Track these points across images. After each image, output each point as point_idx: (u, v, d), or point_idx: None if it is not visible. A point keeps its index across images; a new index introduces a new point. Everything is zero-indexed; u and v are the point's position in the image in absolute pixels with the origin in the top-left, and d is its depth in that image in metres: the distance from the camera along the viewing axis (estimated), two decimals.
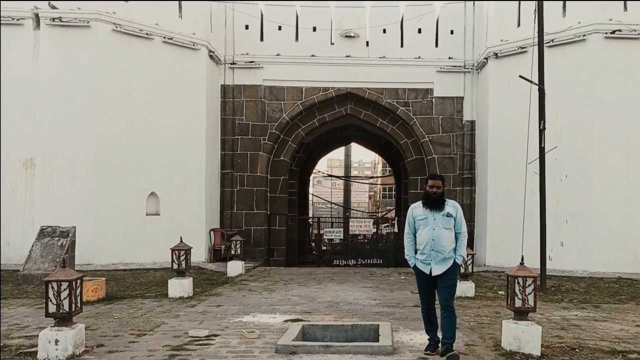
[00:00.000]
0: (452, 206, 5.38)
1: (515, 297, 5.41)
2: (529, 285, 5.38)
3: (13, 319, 7.18)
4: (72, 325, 5.28)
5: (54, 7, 12.49)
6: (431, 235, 5.25)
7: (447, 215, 5.30)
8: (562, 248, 12.80)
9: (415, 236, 5.40)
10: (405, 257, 5.54)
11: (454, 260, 5.30)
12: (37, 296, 8.71)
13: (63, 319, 5.21)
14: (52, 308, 5.16)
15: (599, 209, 12.60)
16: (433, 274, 5.26)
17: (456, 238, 5.34)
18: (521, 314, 5.49)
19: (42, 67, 12.52)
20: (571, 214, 12.83)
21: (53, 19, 12.52)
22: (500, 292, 9.59)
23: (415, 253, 5.39)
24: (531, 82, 10.72)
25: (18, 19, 12.48)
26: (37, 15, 12.57)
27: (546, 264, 10.40)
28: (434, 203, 5.33)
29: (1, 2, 12.18)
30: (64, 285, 5.12)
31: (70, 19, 12.56)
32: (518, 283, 5.37)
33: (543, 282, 9.93)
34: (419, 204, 5.46)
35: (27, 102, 12.45)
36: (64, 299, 5.13)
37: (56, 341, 5.11)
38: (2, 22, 12.39)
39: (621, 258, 12.29)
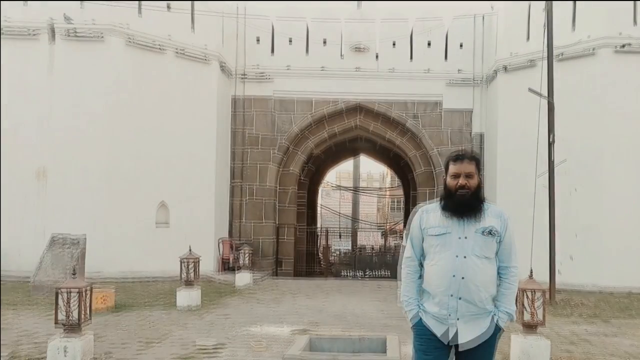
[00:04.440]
0: (496, 216, 2.89)
1: (524, 311, 5.39)
2: (538, 298, 5.36)
3: (23, 327, 7.25)
4: (81, 334, 5.32)
5: (69, 20, 12.72)
6: (455, 269, 2.79)
7: (487, 233, 2.83)
8: (571, 262, 12.67)
9: (422, 266, 2.94)
10: (401, 304, 2.99)
11: (496, 320, 2.83)
12: (47, 305, 8.77)
13: (72, 328, 5.26)
14: (61, 317, 5.21)
15: (610, 223, 12.49)
16: (460, 346, 2.83)
17: (499, 276, 2.88)
18: (530, 328, 5.47)
19: (56, 78, 12.72)
20: (581, 227, 12.72)
21: (68, 32, 12.74)
22: None
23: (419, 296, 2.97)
24: (540, 95, 10.73)
25: (34, 32, 12.72)
26: (52, 29, 12.79)
27: (555, 278, 10.33)
28: (464, 206, 2.85)
29: (18, 15, 12.47)
30: (74, 294, 5.18)
31: (85, 32, 12.77)
32: (527, 296, 5.36)
33: (552, 296, 9.86)
34: (435, 206, 2.96)
35: (40, 113, 12.64)
36: (74, 308, 5.18)
37: (65, 350, 5.16)
38: (18, 34, 12.65)
39: (632, 272, 12.14)
